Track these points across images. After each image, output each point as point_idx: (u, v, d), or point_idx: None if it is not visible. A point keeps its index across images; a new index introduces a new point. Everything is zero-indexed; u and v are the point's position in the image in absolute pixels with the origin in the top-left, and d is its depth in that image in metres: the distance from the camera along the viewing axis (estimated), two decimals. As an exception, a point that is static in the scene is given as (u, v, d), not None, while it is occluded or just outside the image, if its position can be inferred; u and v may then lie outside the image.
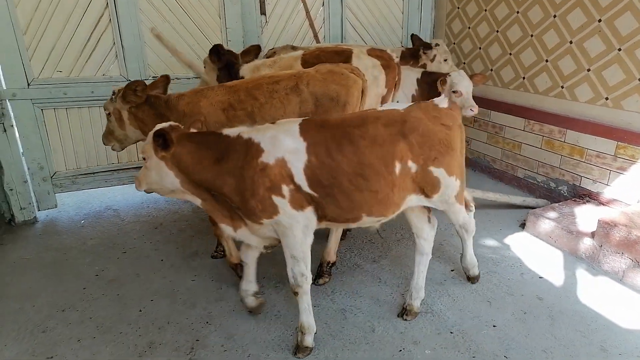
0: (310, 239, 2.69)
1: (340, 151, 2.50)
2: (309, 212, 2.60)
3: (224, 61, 3.96)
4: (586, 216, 4.10)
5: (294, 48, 4.63)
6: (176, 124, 2.69)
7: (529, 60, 5.03)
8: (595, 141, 4.37)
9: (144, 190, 2.75)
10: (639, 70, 4.00)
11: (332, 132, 2.54)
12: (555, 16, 4.64)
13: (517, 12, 5.06)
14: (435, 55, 5.05)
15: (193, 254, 3.94)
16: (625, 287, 3.43)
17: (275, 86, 3.26)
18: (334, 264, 3.58)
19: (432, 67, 5.05)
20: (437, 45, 5.06)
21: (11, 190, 4.47)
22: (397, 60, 4.08)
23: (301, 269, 2.69)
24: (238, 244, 3.20)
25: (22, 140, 4.50)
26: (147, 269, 3.77)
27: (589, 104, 4.45)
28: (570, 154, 4.64)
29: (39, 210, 4.75)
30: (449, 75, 4.45)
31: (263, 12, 5.20)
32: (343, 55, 3.88)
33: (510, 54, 5.25)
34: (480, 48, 5.66)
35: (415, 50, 5.03)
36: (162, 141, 2.51)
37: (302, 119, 2.69)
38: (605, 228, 3.58)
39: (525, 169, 5.20)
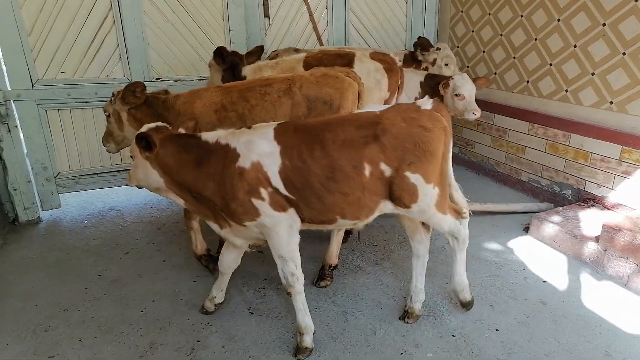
0: (296, 238, 2.69)
1: (311, 154, 2.51)
2: (292, 213, 2.62)
3: (227, 62, 3.98)
4: (590, 220, 4.08)
5: (296, 50, 4.65)
6: (163, 125, 2.73)
7: (533, 64, 5.02)
8: (599, 145, 4.35)
9: (135, 186, 2.83)
10: (643, 74, 3.99)
11: (305, 136, 2.55)
12: (559, 20, 4.63)
13: (521, 16, 5.05)
14: (435, 59, 5.03)
15: (195, 255, 3.94)
16: (629, 291, 3.40)
17: (267, 89, 3.25)
18: (335, 266, 3.57)
19: (433, 71, 5.04)
20: (438, 49, 5.04)
21: (15, 190, 4.49)
22: (400, 64, 4.07)
23: (291, 268, 2.70)
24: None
25: (26, 141, 4.52)
26: (149, 269, 3.77)
27: (594, 107, 4.43)
28: (575, 157, 4.61)
29: (42, 210, 4.77)
30: (452, 78, 4.45)
31: (267, 15, 5.23)
32: (345, 59, 3.87)
33: (514, 57, 5.24)
34: (484, 52, 5.66)
35: (414, 52, 5.04)
36: (145, 143, 2.57)
37: (277, 122, 2.71)
38: (609, 232, 3.56)
39: (530, 173, 5.18)
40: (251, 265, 3.79)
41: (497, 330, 3.02)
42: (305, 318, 2.81)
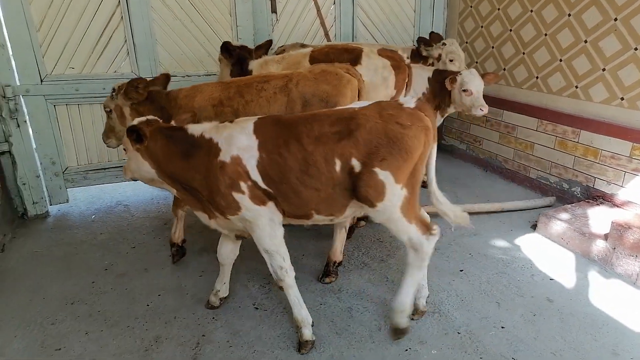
0: (279, 231, 2.71)
1: (287, 148, 2.52)
2: (271, 207, 2.64)
3: (235, 57, 3.99)
4: (599, 218, 4.03)
5: (303, 46, 4.63)
6: (155, 118, 2.80)
7: (542, 59, 4.96)
8: (609, 142, 4.29)
9: (130, 179, 2.94)
10: (655, 69, 3.93)
11: (282, 130, 2.56)
12: (570, 15, 4.57)
13: (531, 11, 4.99)
14: (440, 55, 4.99)
15: (201, 250, 3.95)
16: (638, 290, 3.36)
17: (264, 85, 3.25)
18: (340, 263, 3.56)
19: (438, 67, 5.00)
20: (443, 44, 4.99)
21: (24, 184, 4.53)
22: (408, 61, 4.03)
23: (278, 262, 2.72)
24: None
25: (34, 136, 4.56)
26: (155, 264, 3.79)
27: (604, 104, 4.38)
28: (584, 154, 4.56)
29: (50, 205, 4.81)
30: (460, 74, 4.41)
31: (274, 10, 5.22)
32: (353, 54, 3.85)
33: (524, 53, 5.18)
34: (493, 47, 5.60)
35: (417, 48, 5.02)
36: (136, 135, 2.64)
37: (259, 117, 2.72)
38: (619, 230, 3.51)
39: (538, 170, 5.13)
40: (256, 261, 3.78)
41: (502, 327, 3.00)
42: (301, 311, 2.82)
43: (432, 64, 5.05)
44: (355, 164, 2.48)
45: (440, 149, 6.60)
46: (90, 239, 4.23)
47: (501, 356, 2.76)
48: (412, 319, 3.06)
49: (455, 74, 4.47)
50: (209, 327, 3.03)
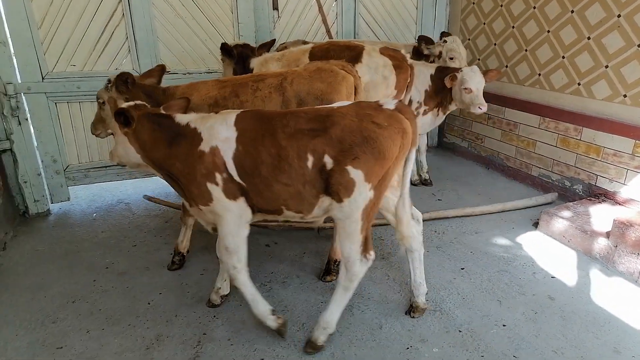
0: (244, 231, 2.73)
1: (262, 142, 2.53)
2: (242, 203, 2.65)
3: (234, 56, 3.99)
4: (601, 216, 4.02)
5: (305, 43, 4.62)
6: (143, 103, 2.83)
7: (545, 56, 4.94)
8: (612, 139, 4.27)
9: (117, 163, 2.95)
10: (658, 66, 3.91)
11: (261, 124, 2.58)
12: (572, 11, 4.55)
13: (534, 8, 4.97)
14: (440, 52, 4.97)
15: (202, 249, 3.95)
16: (640, 288, 3.36)
17: (259, 84, 3.23)
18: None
19: (440, 64, 4.98)
20: (444, 41, 4.98)
21: (25, 182, 4.53)
22: (411, 61, 3.98)
23: (233, 261, 2.75)
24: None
25: (36, 134, 4.56)
26: (156, 262, 3.79)
27: (607, 101, 4.35)
28: (586, 152, 4.54)
29: (52, 203, 4.81)
30: (461, 71, 4.40)
31: (275, 7, 5.20)
32: (354, 52, 3.83)
33: (526, 50, 5.16)
34: (495, 44, 5.58)
35: (418, 46, 5.00)
36: (123, 118, 2.65)
37: (242, 110, 2.75)
38: (620, 228, 3.50)
39: (540, 168, 5.12)
40: (257, 260, 3.79)
41: (504, 325, 3.00)
42: (258, 306, 2.83)
43: (433, 61, 5.03)
44: (328, 161, 2.47)
45: (442, 146, 6.67)
46: (92, 237, 4.23)
47: (502, 354, 2.75)
48: (413, 317, 3.06)
49: (456, 71, 4.46)
50: (210, 325, 3.03)
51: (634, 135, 4.08)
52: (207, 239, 4.08)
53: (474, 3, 5.78)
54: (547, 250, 3.90)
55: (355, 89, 3.32)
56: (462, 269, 3.64)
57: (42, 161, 4.64)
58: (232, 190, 2.61)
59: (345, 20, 5.62)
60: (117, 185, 5.33)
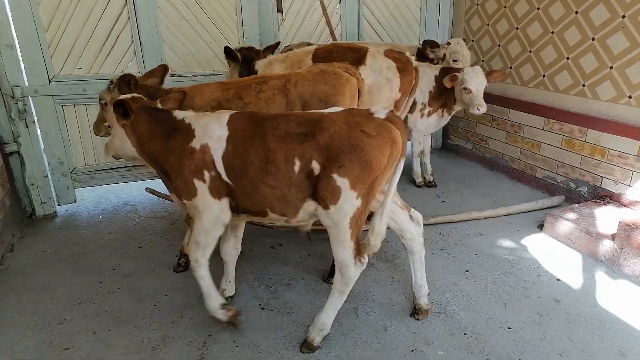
0: (218, 231, 2.78)
1: (251, 143, 2.55)
2: (224, 204, 2.69)
3: (238, 59, 4.01)
4: (607, 218, 4.01)
5: (309, 45, 4.63)
6: (139, 95, 2.85)
7: (549, 57, 4.93)
8: (617, 141, 4.26)
9: (112, 156, 3.00)
10: (664, 68, 3.89)
11: (253, 125, 2.60)
12: (577, 12, 4.54)
13: (538, 9, 4.96)
14: (444, 54, 4.98)
15: (207, 250, 3.97)
16: (646, 291, 3.35)
17: (262, 86, 3.22)
18: (346, 262, 3.56)
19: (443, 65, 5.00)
20: (448, 43, 4.99)
21: (32, 184, 4.57)
22: (416, 64, 3.96)
23: (197, 255, 2.81)
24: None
25: (43, 136, 4.60)
26: (162, 264, 3.81)
27: (612, 102, 4.34)
28: (591, 154, 4.53)
29: (58, 205, 4.85)
30: (462, 71, 4.41)
31: (280, 10, 5.22)
32: (357, 53, 3.83)
33: (530, 51, 5.15)
34: (499, 45, 5.57)
35: (423, 50, 5.02)
36: (123, 110, 2.69)
37: (237, 111, 2.79)
38: (626, 230, 3.49)
39: (545, 169, 5.11)
40: (263, 262, 3.81)
41: (509, 328, 3.00)
42: (210, 300, 2.89)
43: (437, 63, 5.04)
44: (316, 166, 2.48)
45: (446, 148, 6.67)
46: (98, 239, 4.26)
47: (507, 357, 2.75)
48: (417, 319, 3.07)
49: (457, 71, 4.48)
50: (215, 327, 3.04)
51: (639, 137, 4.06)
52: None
53: (477, 4, 5.78)
54: (552, 252, 3.89)
55: (359, 91, 3.31)
56: (467, 271, 3.64)
57: (49, 163, 4.68)
58: (218, 189, 2.66)
59: (349, 22, 5.63)
60: (123, 187, 5.36)
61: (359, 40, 5.64)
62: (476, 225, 4.36)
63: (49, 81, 4.45)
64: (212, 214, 2.70)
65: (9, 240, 4.10)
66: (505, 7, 5.38)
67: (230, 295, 3.27)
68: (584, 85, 4.60)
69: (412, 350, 2.82)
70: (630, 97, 4.17)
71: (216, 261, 3.66)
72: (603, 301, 3.25)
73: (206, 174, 2.62)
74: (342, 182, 2.44)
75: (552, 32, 4.84)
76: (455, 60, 4.90)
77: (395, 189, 2.85)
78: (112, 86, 3.41)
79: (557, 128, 4.87)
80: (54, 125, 4.56)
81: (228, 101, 3.21)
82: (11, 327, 3.08)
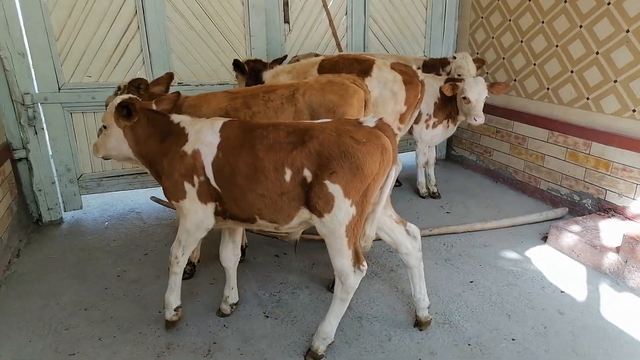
0: (200, 234, 2.86)
1: (240, 152, 2.60)
2: (209, 209, 2.75)
3: (246, 72, 4.07)
4: (611, 231, 4.01)
5: (317, 56, 4.68)
6: (135, 97, 2.91)
7: (553, 70, 4.97)
8: (621, 154, 4.28)
9: (102, 157, 3.04)
10: (668, 82, 3.92)
11: (243, 133, 2.65)
12: (581, 27, 4.58)
13: (542, 22, 5.01)
14: (451, 69, 5.05)
15: (213, 258, 3.96)
16: (651, 304, 3.34)
17: (270, 95, 3.24)
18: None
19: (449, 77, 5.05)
20: (454, 57, 5.04)
21: (40, 190, 4.61)
22: (422, 77, 3.97)
23: (178, 252, 2.92)
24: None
25: (51, 143, 4.64)
26: (167, 271, 3.78)
27: (616, 116, 4.37)
28: (596, 166, 4.55)
29: (65, 211, 4.88)
30: (463, 81, 4.46)
31: (287, 21, 5.28)
32: (363, 65, 3.84)
33: (535, 64, 5.19)
34: (503, 58, 5.62)
35: (435, 65, 5.07)
36: (126, 111, 2.76)
37: (230, 119, 2.85)
38: (630, 243, 3.50)
39: (549, 181, 5.12)
40: (267, 270, 3.83)
41: (513, 339, 3.00)
42: (171, 295, 3.03)
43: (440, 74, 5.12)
44: (308, 174, 2.50)
45: (450, 159, 6.69)
46: (103, 246, 4.29)
47: (512, 369, 2.75)
48: (420, 330, 3.07)
49: (458, 81, 4.53)
50: (220, 334, 3.06)
51: (644, 150, 4.09)
52: (216, 249, 4.12)
53: (482, 17, 5.84)
54: (556, 264, 3.89)
55: (365, 103, 3.34)
56: (471, 282, 3.64)
57: (56, 170, 4.73)
58: (206, 194, 2.71)
59: (355, 34, 5.70)
60: (129, 195, 5.40)
61: (364, 51, 5.69)
62: (480, 237, 4.37)
63: (59, 89, 4.51)
64: (197, 217, 2.77)
65: (16, 245, 4.13)
66: (510, 20, 5.44)
67: (235, 302, 3.28)
68: (588, 99, 4.63)
69: (417, 361, 2.82)
70: (634, 110, 4.19)
71: (221, 269, 3.69)
72: (608, 314, 3.25)
73: (195, 179, 2.69)
74: (334, 188, 2.46)
75: (557, 46, 4.88)
76: (459, 75, 4.94)
77: (390, 203, 2.89)
78: (119, 92, 3.45)
79: (562, 141, 4.89)
80: (63, 132, 4.61)
81: (236, 110, 3.23)
82: (17, 332, 3.10)
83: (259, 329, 3.11)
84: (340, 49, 5.59)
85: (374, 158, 2.46)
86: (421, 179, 5.37)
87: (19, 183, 4.50)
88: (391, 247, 3.03)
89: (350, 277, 2.65)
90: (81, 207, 4.95)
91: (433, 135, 5.07)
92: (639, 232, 3.57)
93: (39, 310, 3.33)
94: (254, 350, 2.91)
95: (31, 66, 4.36)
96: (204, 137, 2.70)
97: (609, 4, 4.28)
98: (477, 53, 6.00)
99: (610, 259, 3.66)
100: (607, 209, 4.44)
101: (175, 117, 2.88)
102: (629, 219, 4.23)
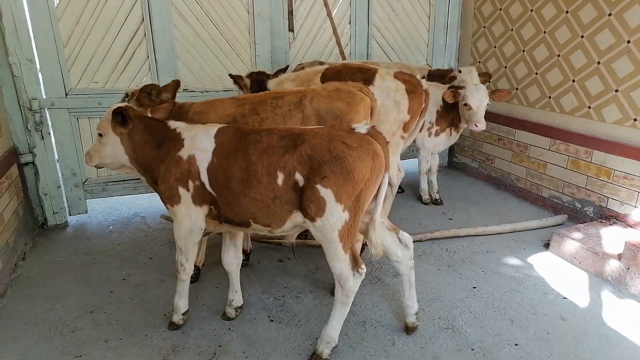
0: (196, 237, 2.90)
1: (234, 157, 2.64)
2: (202, 210, 2.80)
3: (247, 85, 4.15)
4: (612, 238, 4.04)
5: (321, 64, 4.73)
6: (130, 105, 2.96)
7: (555, 80, 5.02)
8: (623, 162, 4.32)
9: (95, 165, 3.06)
10: (668, 91, 3.97)
11: (237, 139, 2.69)
12: (582, 37, 4.64)
13: (544, 32, 5.07)
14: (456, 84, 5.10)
15: (217, 262, 3.99)
16: (652, 311, 3.36)
17: (278, 101, 3.28)
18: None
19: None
20: (459, 71, 5.09)
21: (45, 194, 4.66)
22: (426, 86, 3.97)
23: (182, 260, 2.98)
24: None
25: (57, 148, 4.69)
26: (172, 275, 3.81)
27: (617, 124, 4.41)
28: (597, 174, 4.58)
29: (70, 215, 4.92)
30: (465, 88, 4.52)
31: (291, 29, 5.35)
32: (366, 74, 3.84)
33: (537, 73, 5.25)
34: (505, 67, 5.68)
35: (442, 75, 5.11)
36: (121, 118, 2.80)
37: (225, 124, 2.90)
38: (632, 250, 3.52)
39: (551, 189, 5.16)
40: (271, 274, 3.85)
41: (516, 345, 3.02)
42: (180, 300, 3.12)
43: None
44: (299, 178, 2.53)
45: (452, 166, 6.73)
46: (108, 250, 4.32)
47: (515, 373, 2.77)
48: (407, 335, 3.10)
49: (459, 88, 4.58)
50: (225, 337, 3.08)
51: (645, 159, 4.13)
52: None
53: (485, 27, 5.91)
54: (558, 271, 3.92)
55: (372, 110, 3.38)
56: (474, 287, 3.67)
57: (62, 174, 4.77)
58: (200, 199, 2.76)
59: (359, 42, 5.76)
60: (133, 199, 5.44)
61: (367, 59, 5.76)
62: (482, 243, 4.40)
63: (66, 94, 4.56)
64: (190, 221, 2.82)
65: (22, 248, 4.16)
66: (512, 30, 5.50)
67: (239, 305, 3.30)
68: (589, 108, 4.67)
69: (420, 365, 2.84)
70: (635, 119, 4.24)
71: (225, 273, 3.71)
72: (610, 320, 3.27)
73: (190, 183, 2.74)
74: (325, 193, 2.48)
75: (558, 55, 4.94)
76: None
77: (383, 211, 2.92)
78: (127, 99, 3.49)
79: (563, 149, 4.94)
80: (69, 137, 4.66)
81: (244, 116, 3.26)
82: (23, 334, 3.12)
83: (264, 332, 3.13)
84: (343, 57, 5.65)
85: (365, 163, 2.49)
86: (424, 185, 5.41)
87: (25, 187, 4.54)
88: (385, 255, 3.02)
89: (349, 280, 2.67)
90: (86, 211, 4.99)
91: (436, 143, 5.12)
92: (641, 239, 3.59)
93: (45, 313, 3.35)
94: (258, 353, 2.93)
95: (39, 72, 4.42)
96: (199, 143, 2.74)
97: (610, 14, 4.34)
98: (480, 62, 6.06)
99: (612, 266, 3.68)
100: (609, 217, 4.47)
101: (172, 124, 2.92)
102: (631, 227, 4.26)
